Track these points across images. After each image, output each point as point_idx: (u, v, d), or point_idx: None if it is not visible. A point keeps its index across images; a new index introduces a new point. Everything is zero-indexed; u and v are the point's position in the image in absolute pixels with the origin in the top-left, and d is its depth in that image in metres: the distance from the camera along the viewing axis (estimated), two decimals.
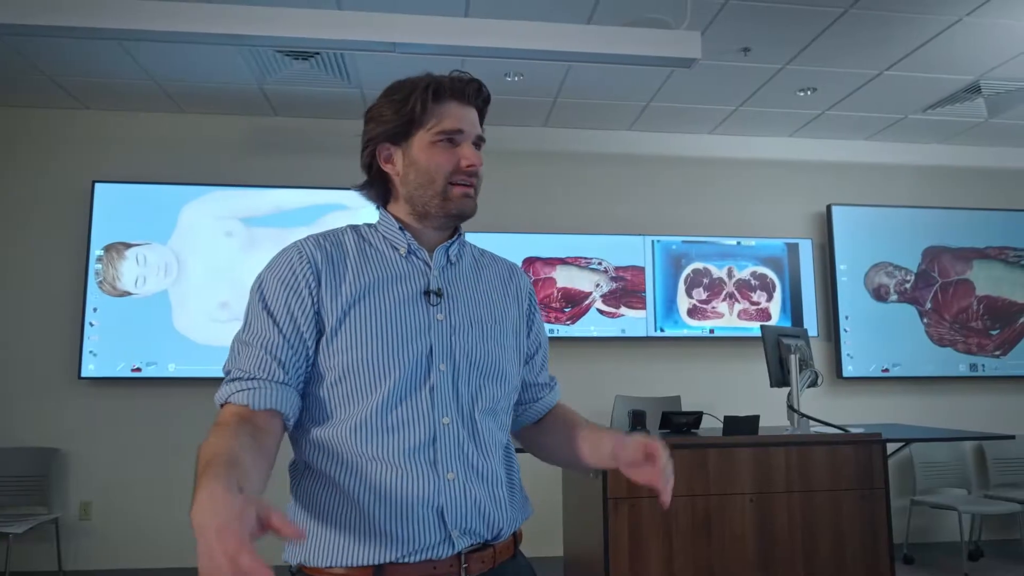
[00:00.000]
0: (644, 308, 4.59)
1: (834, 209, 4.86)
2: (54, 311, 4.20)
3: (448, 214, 1.10)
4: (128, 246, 4.23)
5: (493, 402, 1.09)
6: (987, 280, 4.97)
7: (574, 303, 4.56)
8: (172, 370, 4.16)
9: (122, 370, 4.14)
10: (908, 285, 4.90)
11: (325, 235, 1.11)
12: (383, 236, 1.12)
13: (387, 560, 0.98)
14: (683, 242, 4.70)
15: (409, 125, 1.08)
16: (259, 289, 1.05)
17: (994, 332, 4.93)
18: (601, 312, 4.57)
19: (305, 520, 1.03)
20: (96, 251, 4.19)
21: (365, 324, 1.03)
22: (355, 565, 0.98)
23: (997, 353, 4.91)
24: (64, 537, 4.03)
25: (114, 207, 4.23)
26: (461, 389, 1.06)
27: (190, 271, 4.26)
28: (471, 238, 1.22)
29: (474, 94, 1.12)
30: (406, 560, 0.98)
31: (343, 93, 4.19)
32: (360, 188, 1.16)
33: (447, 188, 1.08)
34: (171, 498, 4.11)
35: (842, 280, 4.83)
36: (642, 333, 4.57)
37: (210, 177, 4.37)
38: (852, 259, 4.86)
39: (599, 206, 4.70)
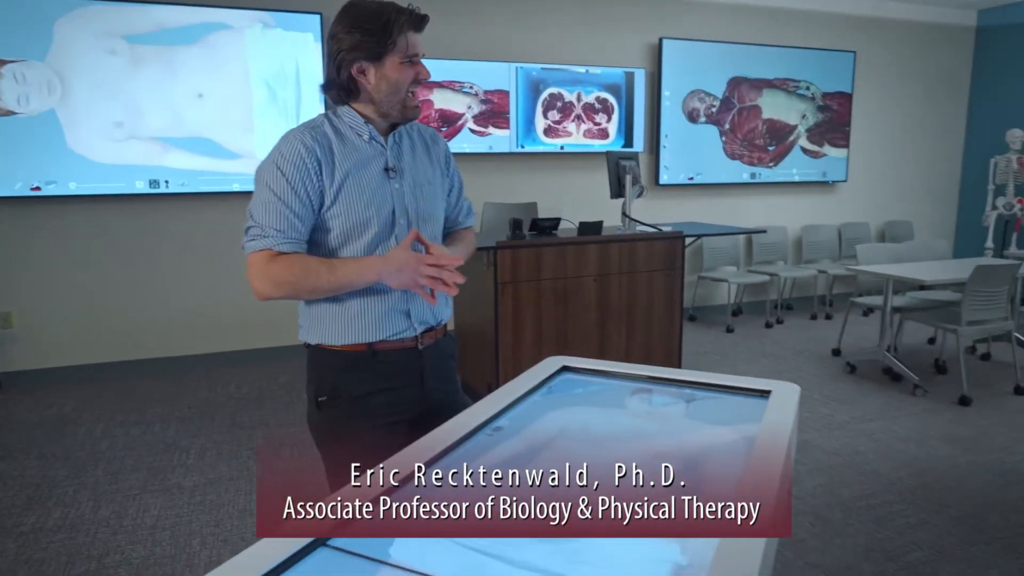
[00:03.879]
0: (508, 128, 5.36)
1: (664, 42, 5.74)
2: None
3: (405, 118, 1.53)
4: (2, 63, 4.14)
5: (432, 238, 1.59)
6: (772, 106, 6.26)
7: (449, 123, 5.21)
8: (73, 188, 4.37)
9: (20, 189, 4.28)
10: (714, 109, 6.05)
11: (312, 129, 1.48)
12: (349, 126, 1.51)
13: (376, 339, 1.54)
14: (542, 69, 5.40)
15: (384, 49, 1.45)
16: (278, 169, 1.43)
17: (771, 148, 6.33)
18: (472, 131, 5.28)
19: (323, 314, 1.53)
20: None
21: (352, 196, 1.48)
22: (356, 343, 1.52)
23: (771, 164, 6.35)
24: None
25: None
26: None
27: (75, 90, 4.30)
28: None
29: (424, 25, 1.50)
30: (388, 338, 1.55)
31: None
32: (326, 89, 1.53)
33: (407, 96, 1.50)
34: (84, 302, 4.55)
35: (665, 105, 5.86)
36: (506, 149, 5.38)
37: None
38: (675, 87, 5.87)
39: (470, 33, 5.19)
